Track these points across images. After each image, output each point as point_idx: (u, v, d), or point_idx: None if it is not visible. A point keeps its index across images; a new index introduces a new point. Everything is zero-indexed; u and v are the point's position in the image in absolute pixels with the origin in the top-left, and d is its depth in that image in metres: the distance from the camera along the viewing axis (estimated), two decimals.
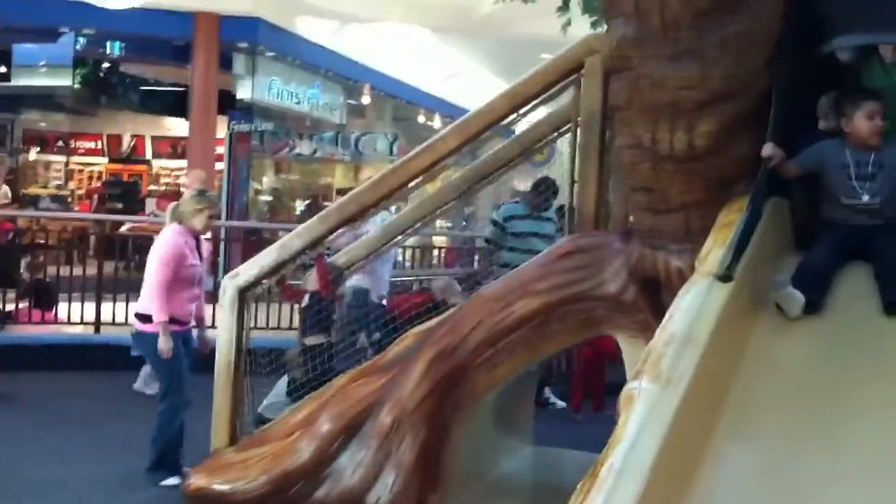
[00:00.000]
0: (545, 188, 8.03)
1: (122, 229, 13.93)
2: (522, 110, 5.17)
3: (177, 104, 17.62)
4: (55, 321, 10.20)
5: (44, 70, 16.30)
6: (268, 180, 17.71)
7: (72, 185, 21.41)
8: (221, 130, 14.91)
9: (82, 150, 21.53)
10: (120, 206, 18.68)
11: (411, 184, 5.46)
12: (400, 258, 11.13)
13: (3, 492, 5.73)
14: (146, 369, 7.57)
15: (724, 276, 3.26)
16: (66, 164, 21.61)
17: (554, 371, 8.81)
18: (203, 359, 6.05)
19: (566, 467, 5.75)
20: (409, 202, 6.59)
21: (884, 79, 4.06)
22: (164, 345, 5.92)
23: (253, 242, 12.36)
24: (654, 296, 4.38)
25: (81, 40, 14.82)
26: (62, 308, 10.15)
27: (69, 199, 20.40)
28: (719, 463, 2.83)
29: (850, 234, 3.74)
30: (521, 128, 5.70)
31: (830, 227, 3.81)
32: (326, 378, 5.35)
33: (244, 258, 10.03)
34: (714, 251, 3.48)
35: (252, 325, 5.62)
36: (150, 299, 6.05)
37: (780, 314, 3.46)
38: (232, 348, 5.44)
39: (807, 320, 3.43)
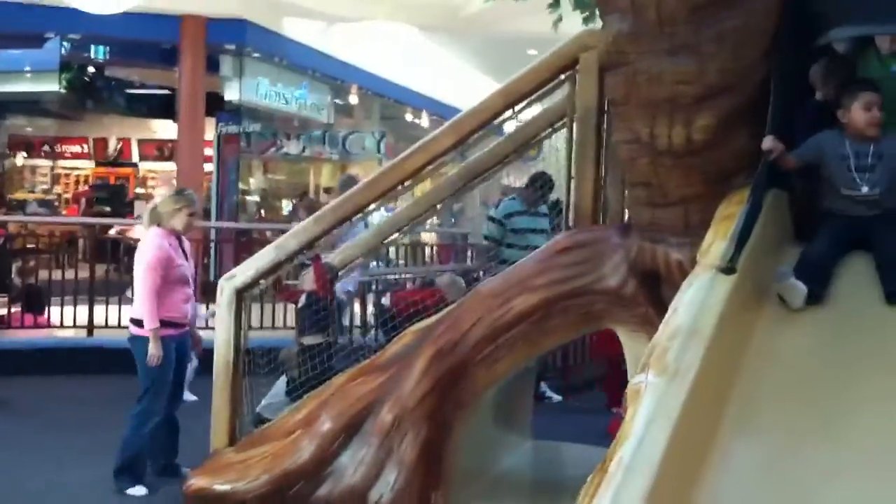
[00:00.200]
0: (542, 183, 8.03)
1: (111, 232, 13.95)
2: (518, 107, 5.18)
3: (163, 107, 17.58)
4: (48, 325, 10.16)
5: (29, 75, 16.26)
6: (256, 181, 17.69)
7: (58, 189, 21.38)
8: (209, 132, 14.87)
9: (69, 154, 21.47)
10: (108, 209, 18.67)
11: (407, 183, 5.48)
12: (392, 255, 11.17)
13: None
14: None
15: (727, 269, 3.27)
16: (53, 168, 21.57)
17: (549, 366, 8.82)
18: (202, 360, 6.03)
19: (566, 461, 5.79)
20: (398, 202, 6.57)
21: (880, 70, 4.08)
22: (154, 351, 5.87)
23: (244, 243, 12.36)
24: (654, 289, 4.40)
25: (67, 45, 14.76)
26: (55, 312, 10.10)
27: (56, 204, 20.37)
28: (726, 456, 2.84)
29: (850, 224, 3.76)
30: (510, 127, 5.71)
31: (830, 218, 3.83)
32: (326, 377, 5.35)
33: (236, 259, 10.07)
34: (716, 244, 3.49)
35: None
36: (140, 306, 6.00)
37: (782, 305, 3.48)
38: (230, 348, 5.45)
39: (809, 311, 3.44)
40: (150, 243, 6.07)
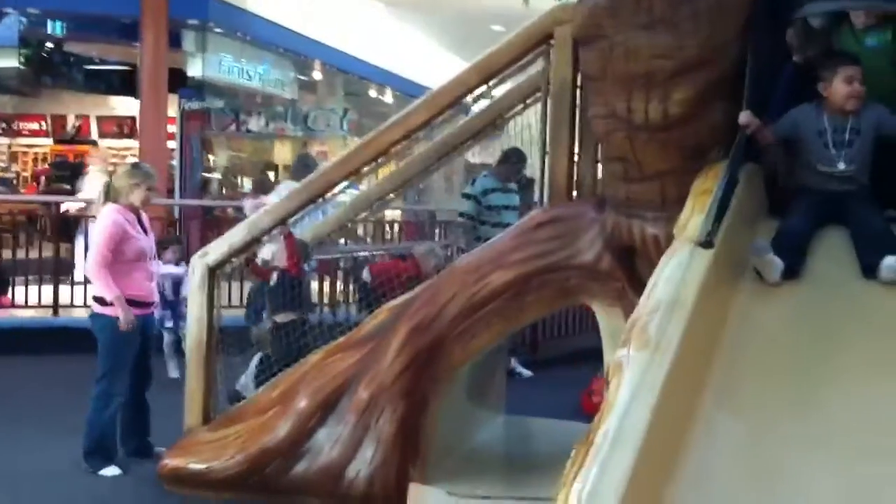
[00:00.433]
0: (517, 160, 8.00)
1: (73, 209, 13.74)
2: (491, 82, 5.16)
3: (123, 83, 17.32)
4: (12, 305, 10.04)
5: None
6: (219, 158, 17.51)
7: (16, 167, 21.05)
8: (171, 108, 14.70)
9: (26, 132, 21.11)
10: (67, 187, 18.40)
11: (380, 159, 5.46)
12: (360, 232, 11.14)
13: None
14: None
15: (706, 243, 3.28)
16: (10, 146, 21.23)
17: (519, 342, 8.85)
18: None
19: (538, 435, 5.83)
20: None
21: (854, 45, 4.10)
22: (125, 316, 5.78)
23: (210, 221, 12.26)
24: (630, 264, 4.42)
25: (24, 20, 14.51)
26: (19, 292, 9.98)
27: (14, 182, 20.05)
28: (709, 427, 2.88)
29: (824, 199, 3.79)
30: (479, 105, 5.68)
31: (805, 193, 3.86)
32: (300, 355, 5.34)
33: (202, 236, 9.99)
34: (693, 218, 3.51)
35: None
36: (94, 281, 5.96)
37: (760, 280, 3.52)
38: (203, 327, 5.40)
39: (787, 285, 3.48)
40: (104, 219, 5.97)
